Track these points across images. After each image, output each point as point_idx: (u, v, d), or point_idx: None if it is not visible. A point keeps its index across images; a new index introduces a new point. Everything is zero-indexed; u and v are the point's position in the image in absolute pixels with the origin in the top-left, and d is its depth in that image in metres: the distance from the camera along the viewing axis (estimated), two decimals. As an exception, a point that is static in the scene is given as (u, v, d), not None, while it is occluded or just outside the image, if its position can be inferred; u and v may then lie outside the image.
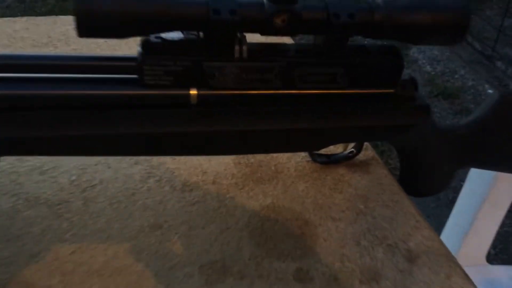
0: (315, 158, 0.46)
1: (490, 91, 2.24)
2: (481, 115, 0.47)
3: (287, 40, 0.62)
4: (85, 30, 0.31)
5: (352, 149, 0.46)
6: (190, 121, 0.37)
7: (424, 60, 2.69)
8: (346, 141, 0.43)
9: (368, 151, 0.47)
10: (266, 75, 0.37)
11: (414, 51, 2.81)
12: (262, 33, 0.36)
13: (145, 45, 0.35)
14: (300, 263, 0.36)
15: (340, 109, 0.39)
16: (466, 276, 0.36)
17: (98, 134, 0.36)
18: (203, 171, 0.45)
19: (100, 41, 0.67)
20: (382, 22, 0.36)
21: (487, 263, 0.74)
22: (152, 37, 0.35)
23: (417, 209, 0.42)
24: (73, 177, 0.43)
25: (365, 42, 0.41)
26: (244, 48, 0.36)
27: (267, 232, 0.39)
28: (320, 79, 0.38)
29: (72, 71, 0.35)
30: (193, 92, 0.36)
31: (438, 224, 0.70)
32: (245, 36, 0.36)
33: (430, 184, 0.48)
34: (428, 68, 2.62)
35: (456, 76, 2.45)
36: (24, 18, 0.73)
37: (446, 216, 0.73)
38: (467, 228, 0.65)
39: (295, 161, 0.46)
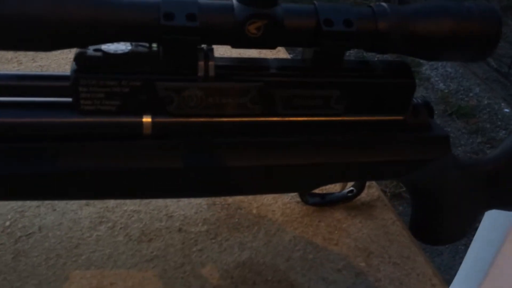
0: (306, 199, 0.37)
1: (506, 110, 2.14)
2: (510, 147, 0.38)
3: (268, 54, 0.54)
4: None
5: (352, 188, 0.37)
6: (142, 156, 0.29)
7: (437, 78, 2.60)
8: (344, 180, 0.35)
9: (372, 190, 0.38)
10: (239, 98, 0.29)
11: (427, 68, 2.72)
12: (233, 45, 0.28)
13: (79, 59, 0.27)
14: None
15: (336, 141, 0.31)
16: None
17: (24, 173, 0.28)
18: (168, 215, 0.36)
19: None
20: (389, 31, 0.28)
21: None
22: (90, 50, 0.27)
23: (433, 269, 0.33)
24: (7, 223, 0.35)
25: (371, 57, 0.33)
26: (211, 64, 0.28)
27: (240, 299, 0.30)
28: (309, 104, 0.30)
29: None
30: (146, 119, 0.28)
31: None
32: (212, 49, 0.28)
33: (450, 230, 0.39)
34: (442, 85, 2.52)
35: (471, 94, 2.36)
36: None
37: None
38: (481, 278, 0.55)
39: (282, 202, 0.38)
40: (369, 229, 0.35)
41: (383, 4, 0.29)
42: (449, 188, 0.36)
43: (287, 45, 0.29)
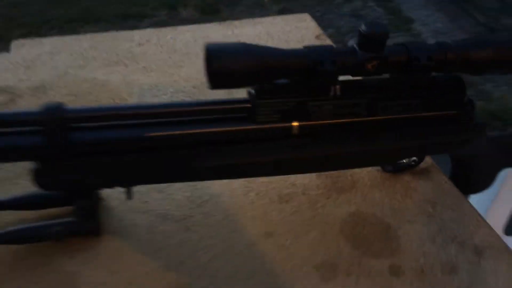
0: (384, 167, 0.54)
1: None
2: None
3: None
4: (215, 84, 0.38)
5: (415, 158, 0.54)
6: (292, 149, 0.45)
7: (428, 34, 2.76)
8: (417, 155, 0.52)
9: (427, 159, 0.56)
10: (355, 109, 0.45)
11: (417, 24, 2.88)
12: (354, 75, 0.44)
13: (258, 90, 0.42)
14: (391, 260, 0.45)
15: (415, 130, 0.47)
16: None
17: (220, 164, 0.44)
18: (292, 184, 0.53)
19: (169, 62, 0.74)
20: (455, 60, 0.44)
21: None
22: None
23: (476, 210, 0.50)
24: (187, 193, 0.51)
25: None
26: (338, 87, 0.44)
27: (358, 235, 0.47)
28: (399, 109, 0.46)
29: (194, 114, 0.43)
30: (295, 124, 0.44)
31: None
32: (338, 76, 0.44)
33: (479, 183, 0.57)
34: (432, 40, 2.68)
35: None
36: (88, 36, 0.80)
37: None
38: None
39: (366, 171, 0.55)
40: (430, 187, 0.53)
41: (447, 41, 0.45)
42: (479, 156, 0.54)
43: (388, 72, 0.45)
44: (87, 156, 0.41)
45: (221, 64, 0.38)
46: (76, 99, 0.64)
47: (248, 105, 0.43)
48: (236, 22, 0.85)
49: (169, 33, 0.80)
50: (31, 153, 0.40)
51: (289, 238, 0.47)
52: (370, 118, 0.45)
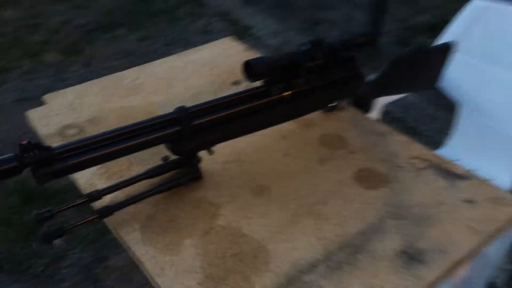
0: (324, 109, 1.00)
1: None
2: (390, 66, 1.06)
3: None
4: (254, 78, 0.80)
5: (336, 103, 1.01)
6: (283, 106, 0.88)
7: (267, 36, 3.37)
8: (337, 100, 0.98)
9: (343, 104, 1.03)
10: (310, 81, 0.90)
11: (256, 30, 3.47)
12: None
13: (268, 81, 0.84)
14: (346, 150, 0.91)
15: (335, 88, 0.94)
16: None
17: (242, 127, 0.84)
18: (279, 130, 0.95)
19: (162, 85, 1.09)
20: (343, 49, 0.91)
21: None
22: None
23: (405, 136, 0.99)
24: (229, 148, 0.90)
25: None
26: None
27: (327, 144, 0.92)
28: (326, 79, 0.92)
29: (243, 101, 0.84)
30: (287, 93, 0.87)
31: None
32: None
33: (368, 105, 1.06)
34: (271, 41, 3.30)
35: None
36: (95, 81, 1.11)
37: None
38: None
39: (317, 114, 1.00)
40: (349, 115, 1.00)
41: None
42: (364, 91, 1.03)
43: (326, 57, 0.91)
44: (198, 134, 0.78)
45: (258, 65, 0.79)
46: (124, 121, 0.97)
47: (265, 88, 0.84)
48: (184, 53, 1.24)
49: (146, 69, 1.16)
50: (168, 137, 0.76)
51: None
52: (315, 85, 0.90)
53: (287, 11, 3.63)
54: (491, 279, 1.70)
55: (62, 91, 1.06)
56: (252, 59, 0.78)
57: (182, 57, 1.21)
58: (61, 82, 2.83)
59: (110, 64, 3.03)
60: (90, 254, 1.76)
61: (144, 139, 0.74)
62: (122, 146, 0.72)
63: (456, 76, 1.52)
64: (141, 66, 1.17)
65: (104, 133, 0.71)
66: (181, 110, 0.76)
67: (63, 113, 0.99)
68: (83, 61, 3.07)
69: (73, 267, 1.71)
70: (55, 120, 0.97)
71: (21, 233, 1.82)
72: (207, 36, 3.41)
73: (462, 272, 1.28)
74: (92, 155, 0.69)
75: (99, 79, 1.11)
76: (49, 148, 0.66)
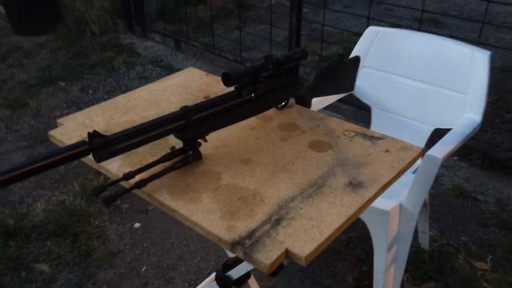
0: (277, 107, 1.36)
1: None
2: (318, 73, 1.44)
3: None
4: (230, 84, 1.15)
5: (286, 101, 1.37)
6: (251, 104, 1.23)
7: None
8: (285, 99, 1.35)
9: (290, 101, 1.39)
10: (267, 84, 1.26)
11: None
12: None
13: (239, 86, 1.19)
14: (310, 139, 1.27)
15: (283, 90, 1.31)
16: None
17: (227, 119, 1.19)
18: (251, 123, 1.29)
19: (152, 104, 1.40)
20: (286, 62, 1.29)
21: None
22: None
23: (332, 117, 1.36)
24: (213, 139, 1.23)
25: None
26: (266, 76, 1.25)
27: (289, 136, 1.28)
28: (277, 84, 1.29)
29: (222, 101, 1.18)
30: (253, 94, 1.23)
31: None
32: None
33: (308, 103, 1.43)
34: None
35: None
36: (96, 106, 1.39)
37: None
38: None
39: (274, 111, 1.35)
40: (298, 110, 1.37)
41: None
42: (304, 92, 1.41)
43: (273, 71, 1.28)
44: (199, 125, 1.10)
45: (232, 76, 1.14)
46: (129, 130, 1.26)
47: (238, 91, 1.19)
48: (160, 80, 1.55)
49: (133, 94, 1.46)
50: (178, 128, 1.08)
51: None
52: (270, 88, 1.27)
53: (215, 54, 4.04)
54: (418, 241, 2.12)
55: (72, 115, 1.32)
56: (228, 71, 1.13)
57: (159, 84, 1.53)
58: (13, 133, 2.98)
59: (59, 113, 3.23)
60: (77, 274, 1.95)
61: (163, 129, 1.05)
62: (149, 135, 1.02)
63: (364, 85, 1.98)
64: (128, 93, 1.47)
65: (135, 127, 1.02)
66: (185, 108, 1.08)
67: (79, 129, 1.26)
68: (31, 113, 3.24)
69: (65, 286, 1.89)
70: (75, 134, 1.24)
71: (7, 265, 1.96)
72: (145, 81, 3.71)
73: (395, 229, 1.68)
74: (133, 141, 0.99)
75: (98, 105, 1.40)
76: (105, 136, 0.95)
